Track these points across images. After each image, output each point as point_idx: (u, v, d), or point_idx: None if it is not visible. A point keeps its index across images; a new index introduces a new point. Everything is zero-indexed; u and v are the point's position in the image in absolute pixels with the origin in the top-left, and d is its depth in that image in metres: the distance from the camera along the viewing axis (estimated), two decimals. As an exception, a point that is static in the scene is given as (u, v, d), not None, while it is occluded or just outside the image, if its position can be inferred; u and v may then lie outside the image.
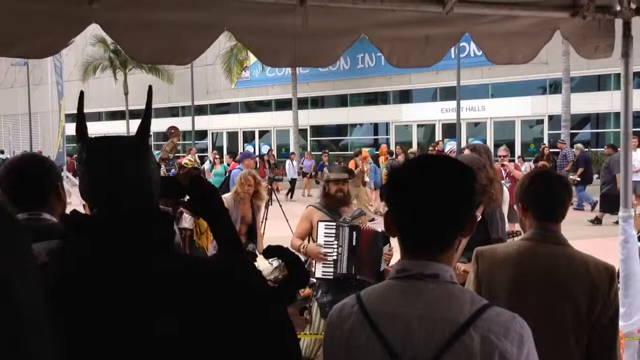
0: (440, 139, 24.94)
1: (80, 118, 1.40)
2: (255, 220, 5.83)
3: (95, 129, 32.83)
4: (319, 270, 4.33)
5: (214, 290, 1.26)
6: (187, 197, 1.54)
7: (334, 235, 4.30)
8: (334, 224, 4.34)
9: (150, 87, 1.46)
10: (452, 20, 3.13)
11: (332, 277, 4.29)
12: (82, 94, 1.44)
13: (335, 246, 4.28)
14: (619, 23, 3.40)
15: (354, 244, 4.26)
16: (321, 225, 4.35)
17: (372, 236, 4.31)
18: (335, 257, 4.28)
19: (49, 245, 1.29)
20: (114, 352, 1.20)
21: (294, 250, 4.69)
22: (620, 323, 2.87)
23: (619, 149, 14.71)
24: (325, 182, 4.60)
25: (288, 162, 21.64)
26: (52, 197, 1.91)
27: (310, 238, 4.56)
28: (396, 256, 4.39)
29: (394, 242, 4.51)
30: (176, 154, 14.09)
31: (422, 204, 1.35)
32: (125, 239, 1.26)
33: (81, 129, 1.39)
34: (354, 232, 4.28)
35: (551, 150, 18.35)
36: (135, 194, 1.32)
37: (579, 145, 17.03)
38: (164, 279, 1.24)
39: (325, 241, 4.30)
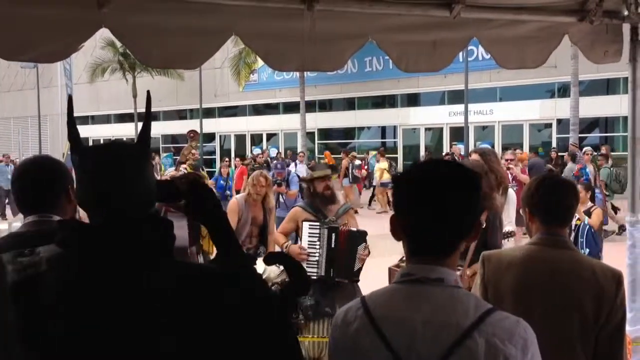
0: (449, 142, 24.88)
1: (71, 124, 1.37)
2: (266, 222, 5.82)
3: (104, 131, 33.00)
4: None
5: (210, 296, 1.25)
6: (185, 201, 1.51)
7: (317, 235, 4.33)
8: (318, 224, 4.37)
9: (148, 93, 1.44)
10: (459, 25, 3.14)
11: (315, 277, 4.31)
12: (70, 99, 1.41)
13: (318, 247, 4.32)
14: (626, 28, 3.39)
15: (332, 246, 4.30)
16: (305, 225, 4.38)
17: (348, 236, 4.32)
18: (317, 259, 4.32)
19: (49, 252, 1.28)
20: (111, 357, 1.20)
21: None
22: (628, 328, 2.86)
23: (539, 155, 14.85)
24: (309, 181, 4.61)
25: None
26: (62, 200, 1.92)
27: (298, 237, 4.60)
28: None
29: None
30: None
31: (427, 208, 1.35)
32: (119, 246, 1.25)
33: (74, 136, 1.35)
34: (333, 234, 4.30)
35: (560, 154, 18.24)
36: (131, 201, 1.31)
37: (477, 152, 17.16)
38: (156, 286, 1.23)
39: (309, 241, 4.35)
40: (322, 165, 5.07)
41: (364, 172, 18.40)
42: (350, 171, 17.75)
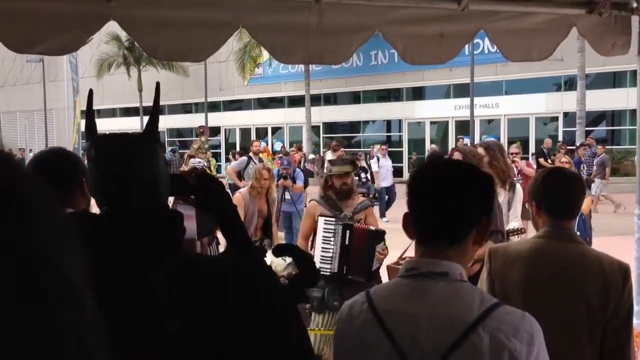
0: (454, 136, 24.83)
1: (89, 116, 1.40)
2: (270, 214, 5.86)
3: (109, 125, 33.04)
4: (316, 265, 4.32)
5: (219, 290, 1.25)
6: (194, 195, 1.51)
7: (332, 231, 4.28)
8: (333, 220, 4.31)
9: (158, 84, 1.45)
10: (467, 17, 3.13)
11: (328, 273, 4.27)
12: (91, 92, 1.44)
13: (332, 244, 4.26)
14: (635, 20, 3.37)
15: (346, 243, 4.23)
16: (321, 220, 4.34)
17: (366, 235, 4.26)
18: (330, 255, 4.27)
19: None
20: (120, 351, 1.21)
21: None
22: (635, 321, 2.85)
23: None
24: (328, 176, 4.57)
25: None
26: (76, 192, 1.92)
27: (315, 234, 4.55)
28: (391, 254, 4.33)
29: (390, 241, 4.36)
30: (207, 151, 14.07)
31: (433, 198, 1.38)
32: (129, 237, 1.26)
33: (90, 127, 1.38)
34: (347, 231, 4.24)
35: (568, 147, 18.20)
36: (141, 192, 1.31)
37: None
38: (160, 283, 1.24)
39: (324, 237, 4.29)
40: (341, 161, 4.95)
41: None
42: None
